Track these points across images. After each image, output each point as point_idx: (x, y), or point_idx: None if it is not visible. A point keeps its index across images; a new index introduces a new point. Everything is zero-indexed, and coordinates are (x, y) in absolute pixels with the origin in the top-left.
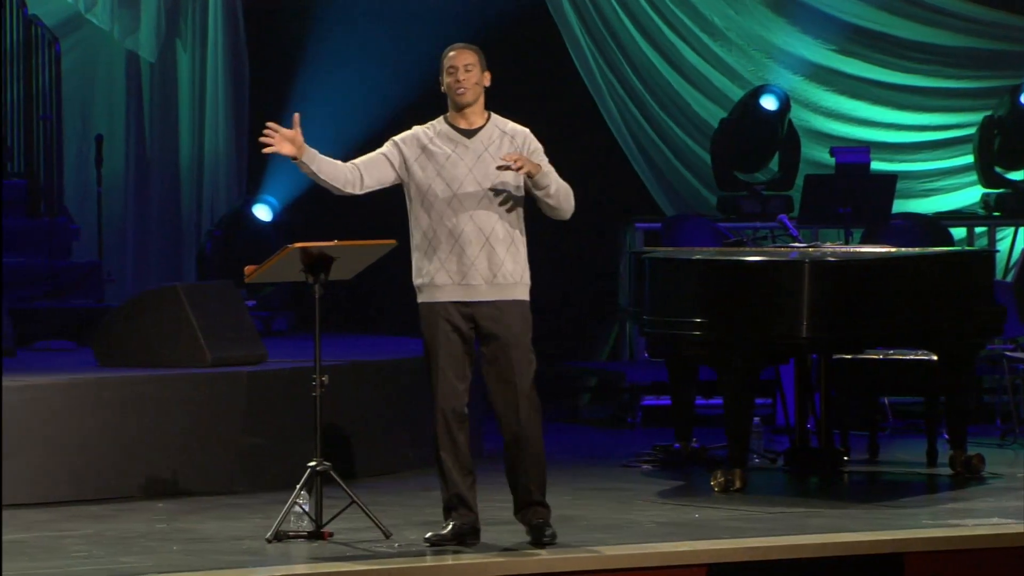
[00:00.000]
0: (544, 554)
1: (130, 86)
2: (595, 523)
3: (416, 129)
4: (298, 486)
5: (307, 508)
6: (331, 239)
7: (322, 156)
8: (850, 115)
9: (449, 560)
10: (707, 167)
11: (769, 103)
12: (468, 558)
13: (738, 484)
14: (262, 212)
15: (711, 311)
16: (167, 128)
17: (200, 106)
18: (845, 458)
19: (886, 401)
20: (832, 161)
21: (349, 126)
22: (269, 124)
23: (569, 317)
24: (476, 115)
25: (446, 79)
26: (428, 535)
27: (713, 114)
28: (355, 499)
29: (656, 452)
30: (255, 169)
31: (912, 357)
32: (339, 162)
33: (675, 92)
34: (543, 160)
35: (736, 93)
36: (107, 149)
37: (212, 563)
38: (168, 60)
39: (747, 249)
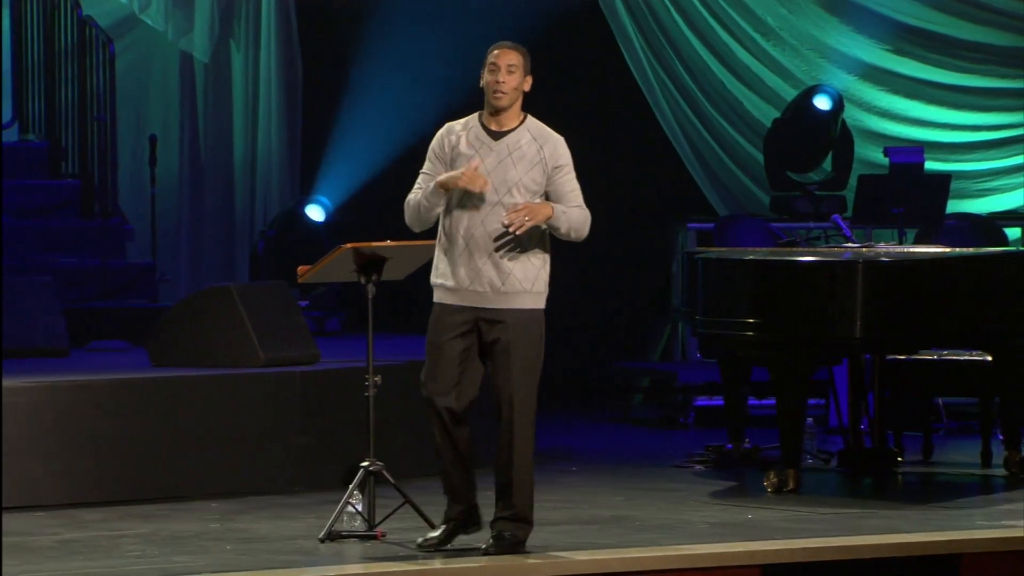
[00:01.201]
0: (597, 554)
1: (184, 86)
2: (648, 523)
3: (449, 127)
4: (351, 486)
5: (360, 508)
6: (383, 239)
7: None
8: (904, 115)
9: (502, 560)
10: (760, 167)
11: (822, 103)
12: (522, 558)
13: (791, 485)
14: (315, 212)
15: (764, 311)
16: (220, 128)
17: (253, 106)
18: (899, 459)
19: (940, 402)
20: (886, 161)
21: (401, 127)
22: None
23: (621, 317)
24: (509, 118)
25: (487, 76)
26: (419, 540)
27: (766, 114)
28: (408, 499)
29: (709, 452)
30: (308, 169)
31: (966, 357)
32: None
33: (728, 92)
34: (566, 177)
35: (789, 93)
36: (161, 149)
37: (265, 563)
38: (222, 60)
39: (800, 249)
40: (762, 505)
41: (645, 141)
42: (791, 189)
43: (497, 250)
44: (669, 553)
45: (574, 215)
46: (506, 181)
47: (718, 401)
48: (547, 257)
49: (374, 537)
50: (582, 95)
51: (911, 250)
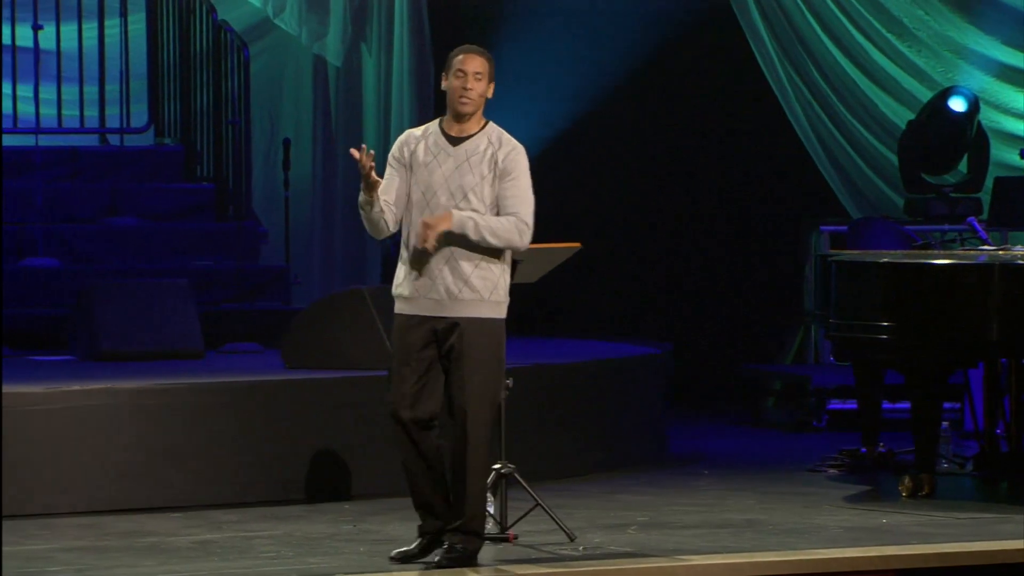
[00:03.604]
0: (731, 558)
1: (317, 90)
2: (781, 527)
3: (407, 134)
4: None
5: (492, 510)
6: None
7: None
8: None
9: (634, 563)
10: (894, 169)
11: (958, 104)
12: (654, 561)
13: (926, 489)
14: None
15: (898, 315)
16: (353, 132)
17: (385, 111)
18: None
19: None
20: (1022, 163)
21: (536, 130)
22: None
23: (754, 320)
24: (471, 124)
25: (453, 81)
26: (393, 553)
27: (900, 115)
28: (539, 502)
29: (842, 456)
30: None
31: None
32: None
33: (862, 93)
34: (510, 184)
35: (924, 94)
36: (294, 153)
37: (398, 564)
38: (354, 64)
39: (935, 252)
40: (896, 509)
41: (778, 143)
42: (926, 191)
43: (454, 257)
44: (803, 557)
45: (491, 222)
46: (462, 187)
47: (851, 404)
48: (506, 264)
49: (506, 539)
50: (714, 97)
51: None
